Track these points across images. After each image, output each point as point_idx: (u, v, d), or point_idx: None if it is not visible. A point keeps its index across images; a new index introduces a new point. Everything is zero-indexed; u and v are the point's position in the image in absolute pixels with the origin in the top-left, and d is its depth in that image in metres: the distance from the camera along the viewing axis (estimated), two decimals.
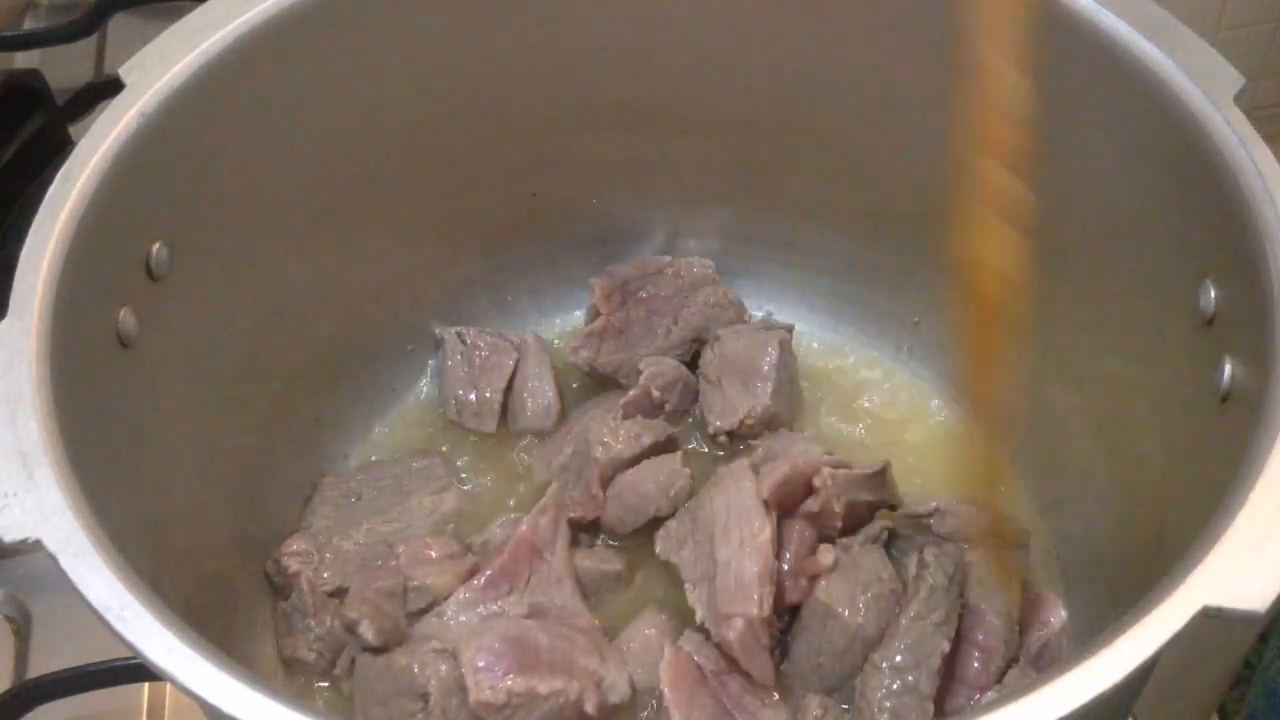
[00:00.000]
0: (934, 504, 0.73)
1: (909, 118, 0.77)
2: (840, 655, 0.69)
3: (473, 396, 0.85)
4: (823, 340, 0.90)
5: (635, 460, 0.78)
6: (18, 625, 0.82)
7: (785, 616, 0.71)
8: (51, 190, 0.60)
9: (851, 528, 0.74)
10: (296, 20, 0.69)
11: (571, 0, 0.76)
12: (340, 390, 0.84)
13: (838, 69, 0.77)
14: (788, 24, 0.76)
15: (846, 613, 0.68)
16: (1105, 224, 0.69)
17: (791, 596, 0.70)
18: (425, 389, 0.88)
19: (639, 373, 0.83)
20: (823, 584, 0.70)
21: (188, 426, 0.69)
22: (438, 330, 0.88)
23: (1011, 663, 0.69)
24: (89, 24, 1.12)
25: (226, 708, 0.46)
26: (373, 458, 0.85)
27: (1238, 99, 0.60)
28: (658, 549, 0.74)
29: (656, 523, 0.75)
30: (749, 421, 0.80)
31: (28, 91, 1.01)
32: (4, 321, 0.56)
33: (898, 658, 0.66)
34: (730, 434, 0.81)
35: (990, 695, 0.67)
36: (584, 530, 0.78)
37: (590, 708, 0.66)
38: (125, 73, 0.64)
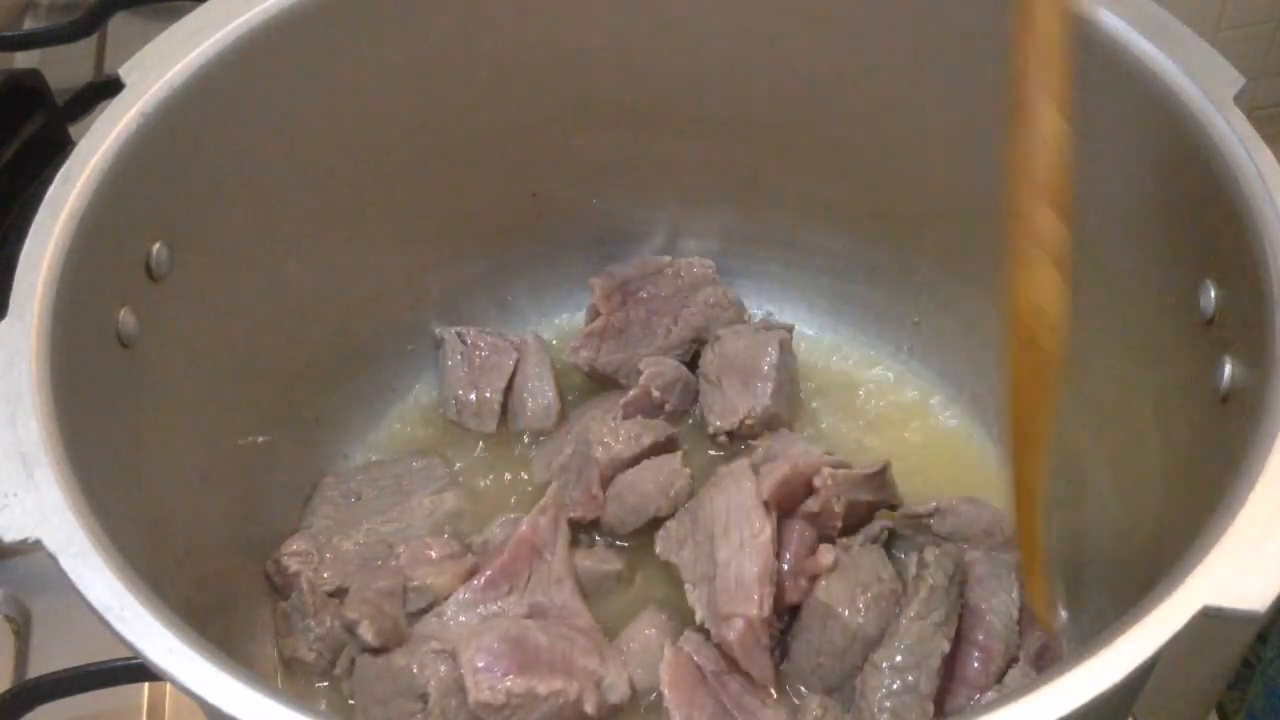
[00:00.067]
0: (934, 504, 0.73)
1: (909, 118, 0.77)
2: (840, 655, 0.69)
3: (473, 396, 0.85)
4: (823, 340, 0.90)
5: (635, 460, 0.78)
6: (18, 625, 0.82)
7: (785, 616, 0.71)
8: (51, 190, 0.60)
9: (851, 528, 0.74)
10: (296, 20, 0.69)
11: (572, 1, 0.76)
12: (340, 390, 0.84)
13: (838, 69, 0.77)
14: (788, 24, 0.76)
15: (846, 613, 0.68)
16: (1105, 224, 0.69)
17: (791, 596, 0.70)
18: (425, 389, 0.88)
19: (639, 373, 0.83)
20: (823, 584, 0.70)
21: (188, 426, 0.69)
22: (438, 330, 0.88)
23: (1011, 663, 0.69)
24: (89, 24, 1.12)
25: (226, 708, 0.46)
26: (373, 458, 0.85)
27: (1238, 99, 0.60)
28: (658, 549, 0.74)
29: (656, 523, 0.75)
30: (749, 421, 0.80)
31: (28, 91, 1.01)
32: (4, 321, 0.56)
33: (898, 658, 0.66)
34: (730, 434, 0.81)
35: (990, 695, 0.67)
36: (584, 530, 0.78)
37: (590, 708, 0.66)
38: (125, 73, 0.64)
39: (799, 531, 0.71)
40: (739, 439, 0.82)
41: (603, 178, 0.86)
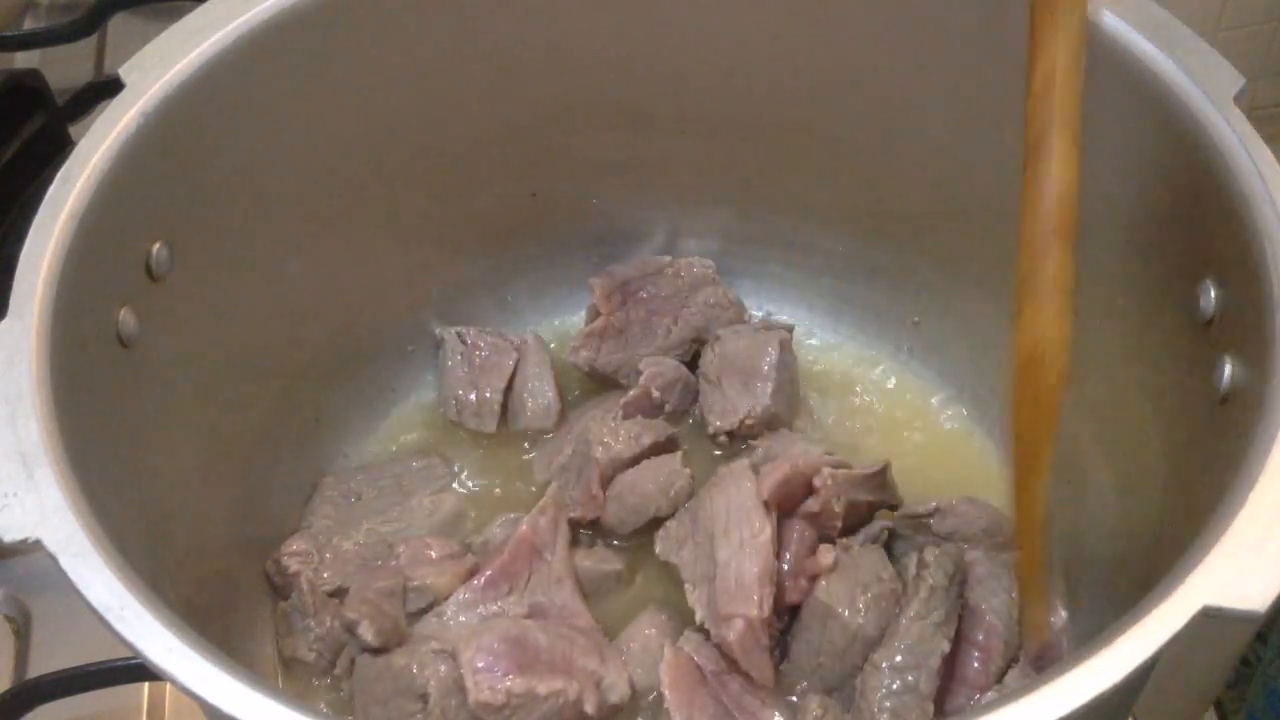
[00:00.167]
0: (934, 504, 0.73)
1: (909, 118, 0.77)
2: (840, 655, 0.69)
3: (473, 396, 0.85)
4: (823, 340, 0.90)
5: (635, 460, 0.78)
6: (18, 625, 0.82)
7: (785, 617, 0.71)
8: (51, 190, 0.60)
9: (851, 528, 0.74)
10: (297, 20, 0.69)
11: (572, 1, 0.76)
12: (340, 390, 0.84)
13: (838, 69, 0.77)
14: (788, 24, 0.76)
15: (846, 613, 0.68)
16: (1105, 224, 0.69)
17: (791, 596, 0.70)
18: (425, 389, 0.88)
19: (639, 373, 0.83)
20: (822, 584, 0.70)
21: (188, 427, 0.69)
22: (438, 330, 0.88)
23: (1011, 663, 0.69)
24: (89, 24, 1.13)
25: (226, 708, 0.46)
26: (373, 458, 0.85)
27: (1238, 99, 0.60)
28: (658, 549, 0.74)
29: (657, 523, 0.75)
30: (749, 421, 0.80)
31: (28, 91, 1.01)
32: (4, 321, 0.56)
33: (898, 658, 0.66)
34: (730, 434, 0.81)
35: (990, 695, 0.67)
36: (584, 530, 0.78)
37: (590, 708, 0.66)
38: (125, 73, 0.64)
39: (799, 531, 0.71)
40: (739, 439, 0.82)
41: (603, 178, 0.86)
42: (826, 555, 0.70)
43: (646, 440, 0.78)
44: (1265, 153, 0.58)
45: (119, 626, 0.48)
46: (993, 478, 0.80)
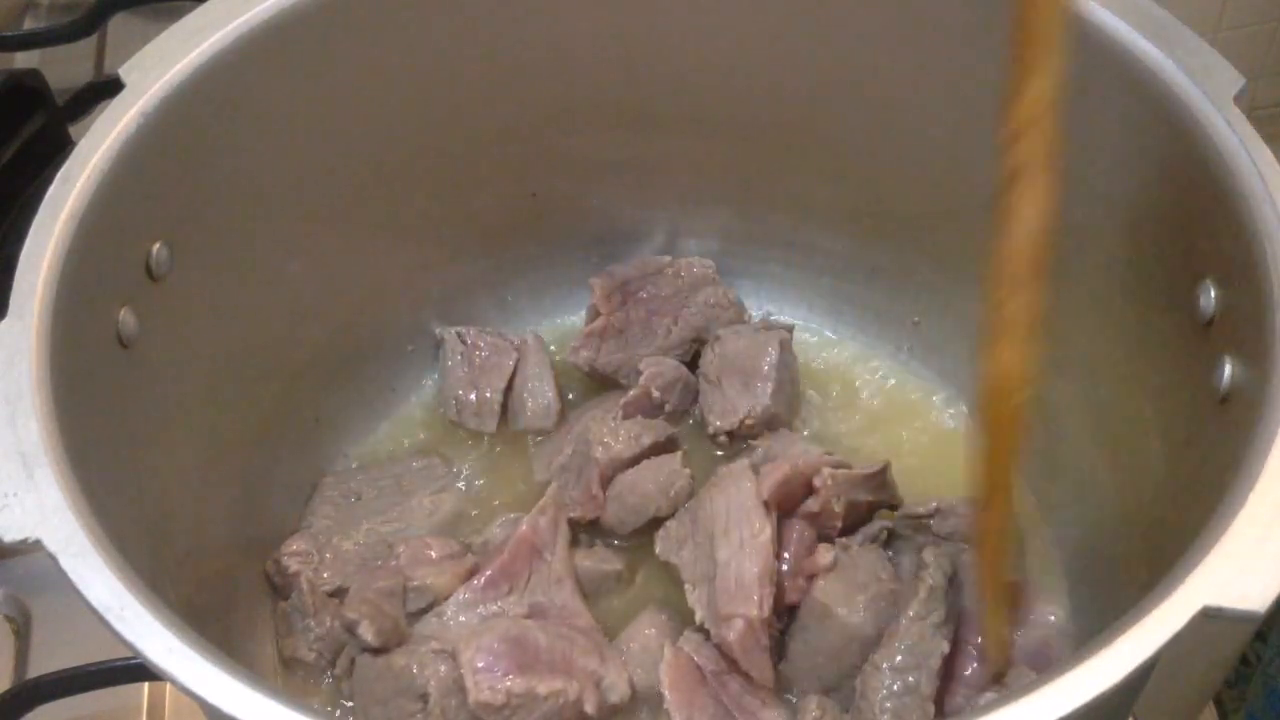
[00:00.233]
0: (934, 504, 0.73)
1: (909, 118, 0.77)
2: (837, 655, 0.69)
3: (473, 396, 0.85)
4: (823, 340, 0.90)
5: (635, 460, 0.77)
6: (18, 625, 0.82)
7: (784, 616, 0.71)
8: (51, 190, 0.60)
9: (851, 527, 0.74)
10: (296, 20, 0.69)
11: (572, 1, 0.76)
12: (340, 390, 0.84)
13: (838, 69, 0.77)
14: (788, 24, 0.76)
15: (844, 612, 0.68)
16: (1105, 224, 0.69)
17: (791, 596, 0.70)
18: (425, 389, 0.88)
19: (639, 373, 0.83)
20: (820, 584, 0.70)
21: (188, 427, 0.69)
22: (438, 330, 0.88)
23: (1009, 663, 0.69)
24: (89, 24, 1.13)
25: (226, 708, 0.46)
26: (373, 458, 0.85)
27: (1238, 99, 0.60)
28: (657, 549, 0.74)
29: (657, 523, 0.75)
30: (749, 421, 0.80)
31: (28, 91, 1.01)
32: (4, 321, 0.56)
33: (898, 658, 0.66)
34: (730, 434, 0.81)
35: (990, 695, 0.67)
36: (584, 530, 0.78)
37: (590, 708, 0.66)
38: (125, 73, 0.64)
39: (799, 531, 0.71)
40: (739, 439, 0.82)
41: (603, 178, 0.86)
42: (825, 555, 0.70)
43: (646, 440, 0.78)
44: (1265, 153, 0.58)
45: (119, 626, 0.48)
46: None
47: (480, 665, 0.65)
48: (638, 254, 0.88)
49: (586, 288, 0.86)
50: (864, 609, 0.69)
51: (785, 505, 0.71)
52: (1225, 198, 0.58)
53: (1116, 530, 0.72)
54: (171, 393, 0.67)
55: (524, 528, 0.74)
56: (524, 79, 0.79)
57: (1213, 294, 0.60)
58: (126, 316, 0.62)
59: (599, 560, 0.76)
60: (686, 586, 0.71)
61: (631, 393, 0.82)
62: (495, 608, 0.72)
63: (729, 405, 0.81)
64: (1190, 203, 0.62)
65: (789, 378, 0.83)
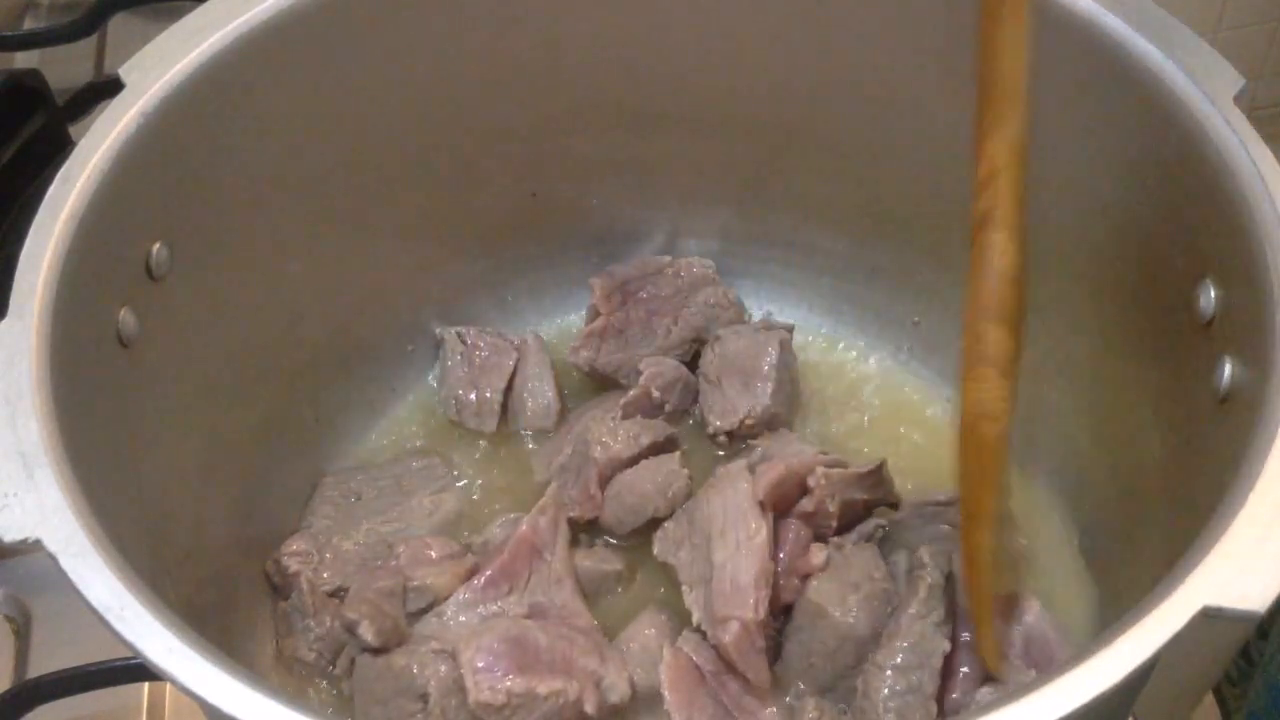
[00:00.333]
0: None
1: (909, 118, 0.77)
2: (831, 655, 0.68)
3: (473, 396, 0.85)
4: (823, 340, 0.90)
5: (634, 460, 0.77)
6: (18, 625, 0.82)
7: (781, 616, 0.71)
8: (51, 190, 0.60)
9: (848, 526, 0.74)
10: (296, 20, 0.69)
11: (572, 1, 0.76)
12: (340, 390, 0.84)
13: (838, 69, 0.77)
14: (788, 24, 0.76)
15: (837, 612, 0.68)
16: (1105, 224, 0.69)
17: (785, 596, 0.70)
18: (425, 389, 0.88)
19: (639, 373, 0.83)
20: (813, 584, 0.69)
21: (188, 427, 0.69)
22: (438, 330, 0.88)
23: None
24: (89, 24, 1.13)
25: (226, 708, 0.46)
26: (372, 458, 0.85)
27: (1238, 99, 0.60)
28: (655, 550, 0.74)
29: (655, 523, 0.75)
30: (749, 421, 0.80)
31: (28, 91, 1.01)
32: (4, 321, 0.56)
33: (900, 658, 0.66)
34: (730, 434, 0.81)
35: (986, 691, 0.67)
36: (584, 530, 0.78)
37: (590, 708, 0.66)
38: (125, 73, 0.64)
39: (794, 531, 0.71)
40: (739, 439, 0.81)
41: (603, 178, 0.86)
42: (817, 555, 0.70)
43: (645, 440, 0.78)
44: (1265, 153, 0.58)
45: (119, 626, 0.48)
46: None
47: (480, 665, 0.65)
48: (638, 254, 0.88)
49: (586, 288, 0.86)
50: (857, 609, 0.68)
51: (781, 505, 0.71)
52: (1225, 198, 0.58)
53: (1116, 531, 0.72)
54: (171, 393, 0.67)
55: (524, 528, 0.74)
56: (524, 79, 0.79)
57: (1213, 294, 0.60)
58: (126, 316, 0.62)
59: (599, 560, 0.76)
60: (684, 588, 0.70)
61: (631, 393, 0.82)
62: (495, 608, 0.72)
63: (729, 405, 0.81)
64: (1190, 203, 0.62)
65: (789, 378, 0.83)
